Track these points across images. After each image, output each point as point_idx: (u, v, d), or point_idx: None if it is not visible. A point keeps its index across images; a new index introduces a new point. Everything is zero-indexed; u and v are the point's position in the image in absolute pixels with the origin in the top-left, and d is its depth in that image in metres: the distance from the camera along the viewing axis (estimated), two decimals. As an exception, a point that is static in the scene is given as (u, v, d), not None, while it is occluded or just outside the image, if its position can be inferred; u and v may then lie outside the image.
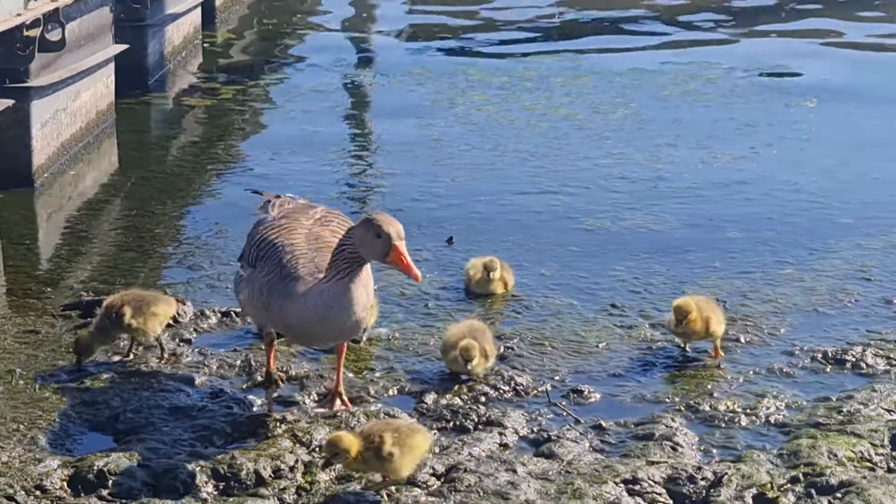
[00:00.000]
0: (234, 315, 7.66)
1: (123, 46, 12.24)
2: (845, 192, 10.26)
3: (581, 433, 6.39)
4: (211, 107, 13.21)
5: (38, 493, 5.76)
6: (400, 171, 10.78)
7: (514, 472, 5.96)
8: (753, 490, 5.84)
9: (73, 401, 6.60)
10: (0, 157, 10.04)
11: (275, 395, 6.74)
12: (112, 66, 12.03)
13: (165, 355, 7.10)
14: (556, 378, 7.00)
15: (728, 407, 6.67)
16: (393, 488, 5.79)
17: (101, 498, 5.72)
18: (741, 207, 9.90)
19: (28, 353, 7.19)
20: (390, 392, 6.81)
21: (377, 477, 5.81)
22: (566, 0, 18.96)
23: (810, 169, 10.86)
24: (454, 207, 9.83)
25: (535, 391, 6.83)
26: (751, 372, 7.09)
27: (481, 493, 5.78)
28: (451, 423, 6.48)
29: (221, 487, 5.83)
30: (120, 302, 6.98)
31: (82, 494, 5.77)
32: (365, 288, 6.15)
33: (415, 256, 8.38)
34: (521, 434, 6.40)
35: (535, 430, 6.43)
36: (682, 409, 6.66)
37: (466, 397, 6.74)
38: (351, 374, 6.91)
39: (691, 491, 5.88)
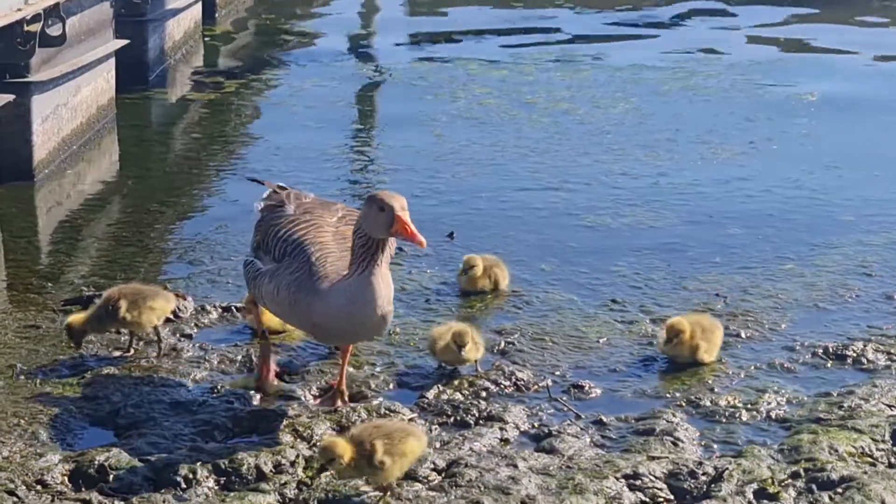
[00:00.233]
0: (234, 310, 7.65)
1: (124, 41, 12.24)
2: (846, 188, 10.25)
3: (582, 428, 6.38)
4: (211, 102, 13.21)
5: (39, 487, 5.75)
6: (401, 167, 10.78)
7: (515, 467, 5.95)
8: (754, 485, 5.84)
9: (74, 396, 6.60)
10: (1, 152, 10.04)
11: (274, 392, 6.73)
12: (113, 61, 12.03)
13: (163, 349, 7.10)
14: (557, 373, 6.99)
15: (729, 402, 6.67)
16: (394, 483, 5.78)
17: (101, 492, 5.72)
18: (741, 204, 9.89)
19: (29, 348, 7.19)
20: (391, 386, 6.81)
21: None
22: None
23: (811, 165, 10.86)
24: (455, 204, 9.82)
25: (536, 386, 6.83)
26: (752, 367, 7.09)
27: (482, 488, 5.77)
28: (452, 418, 6.47)
29: (222, 482, 5.82)
30: (118, 295, 7.00)
31: (83, 489, 5.77)
32: (386, 283, 6.12)
33: (415, 252, 8.43)
34: (521, 429, 6.39)
35: (535, 425, 6.43)
36: (683, 404, 6.66)
37: (467, 392, 6.74)
38: (352, 369, 6.90)
39: (692, 486, 5.88)
